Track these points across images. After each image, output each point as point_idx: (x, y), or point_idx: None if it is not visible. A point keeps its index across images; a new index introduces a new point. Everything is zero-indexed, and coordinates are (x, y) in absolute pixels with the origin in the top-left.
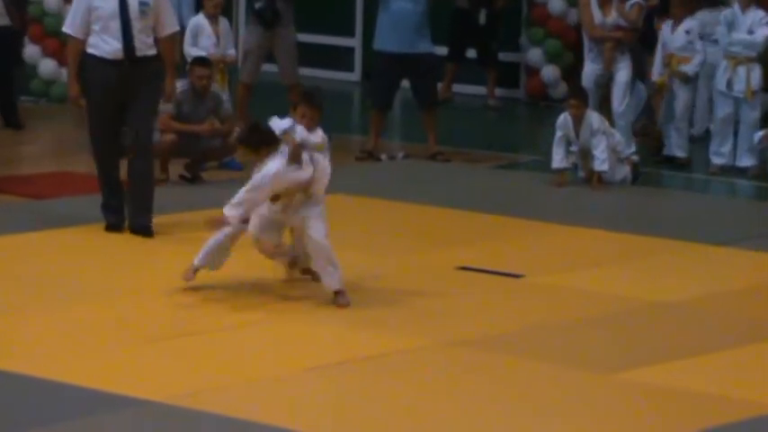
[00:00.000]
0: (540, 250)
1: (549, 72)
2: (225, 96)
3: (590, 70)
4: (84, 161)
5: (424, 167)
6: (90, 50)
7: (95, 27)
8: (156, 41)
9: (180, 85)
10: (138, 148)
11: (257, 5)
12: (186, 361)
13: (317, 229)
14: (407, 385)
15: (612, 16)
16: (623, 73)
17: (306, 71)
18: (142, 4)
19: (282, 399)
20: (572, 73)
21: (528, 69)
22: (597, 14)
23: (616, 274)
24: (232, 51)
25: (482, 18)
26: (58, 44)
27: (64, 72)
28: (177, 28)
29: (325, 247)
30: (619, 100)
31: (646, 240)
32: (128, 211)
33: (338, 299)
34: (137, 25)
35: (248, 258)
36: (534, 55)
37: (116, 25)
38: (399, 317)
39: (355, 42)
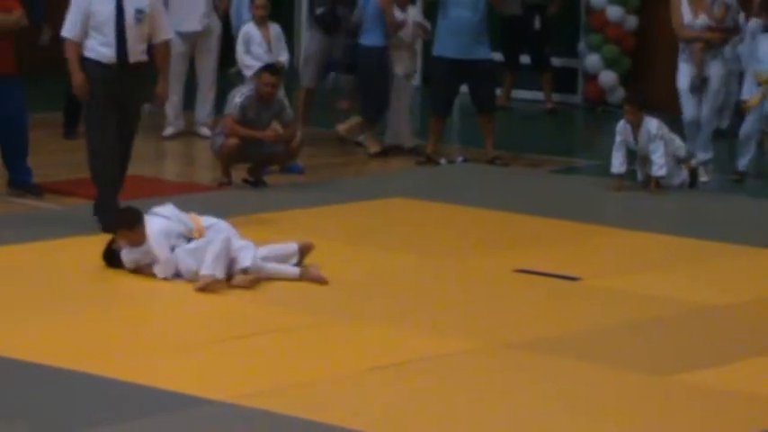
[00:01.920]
0: (597, 254)
1: (607, 77)
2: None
3: (683, 70)
4: (149, 166)
5: (482, 171)
6: (87, 54)
7: (92, 32)
8: (150, 47)
9: (245, 90)
10: (123, 153)
11: (318, 11)
12: (246, 362)
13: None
14: (463, 387)
15: (703, 17)
16: (716, 79)
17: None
18: (138, 12)
19: (342, 399)
20: (630, 78)
21: (586, 75)
22: (687, 15)
23: (672, 277)
24: (284, 57)
25: (537, 24)
26: None
27: None
28: (171, 35)
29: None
30: (709, 107)
31: (702, 244)
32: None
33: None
34: (132, 32)
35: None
36: (592, 60)
37: (111, 31)
38: (456, 319)
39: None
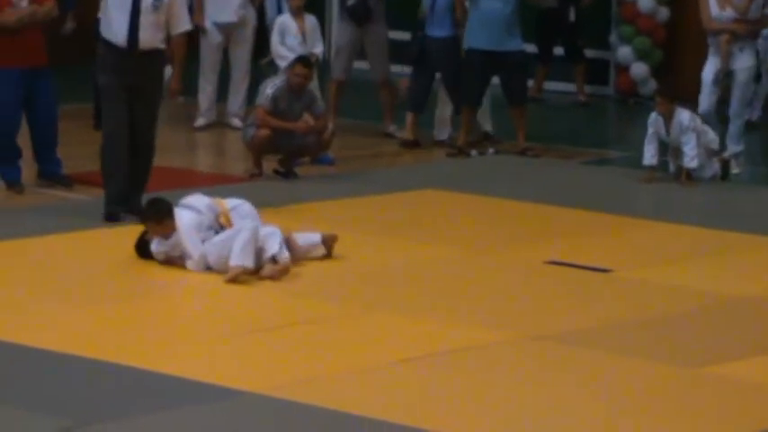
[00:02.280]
0: (628, 246)
1: (639, 69)
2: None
3: (710, 64)
4: (180, 157)
5: (513, 163)
6: (102, 32)
7: (110, 10)
8: (168, 37)
9: (277, 81)
10: (138, 143)
11: (349, 2)
12: (277, 353)
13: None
14: (494, 379)
15: (729, 9)
16: (743, 72)
17: (397, 68)
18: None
19: (372, 390)
20: (661, 70)
21: (617, 67)
22: (714, 8)
23: (703, 269)
24: (318, 49)
25: (572, 15)
26: None
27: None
28: (189, 27)
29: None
30: (737, 100)
31: (733, 236)
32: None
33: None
34: (147, 18)
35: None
36: (624, 52)
37: (126, 14)
38: (487, 310)
39: None
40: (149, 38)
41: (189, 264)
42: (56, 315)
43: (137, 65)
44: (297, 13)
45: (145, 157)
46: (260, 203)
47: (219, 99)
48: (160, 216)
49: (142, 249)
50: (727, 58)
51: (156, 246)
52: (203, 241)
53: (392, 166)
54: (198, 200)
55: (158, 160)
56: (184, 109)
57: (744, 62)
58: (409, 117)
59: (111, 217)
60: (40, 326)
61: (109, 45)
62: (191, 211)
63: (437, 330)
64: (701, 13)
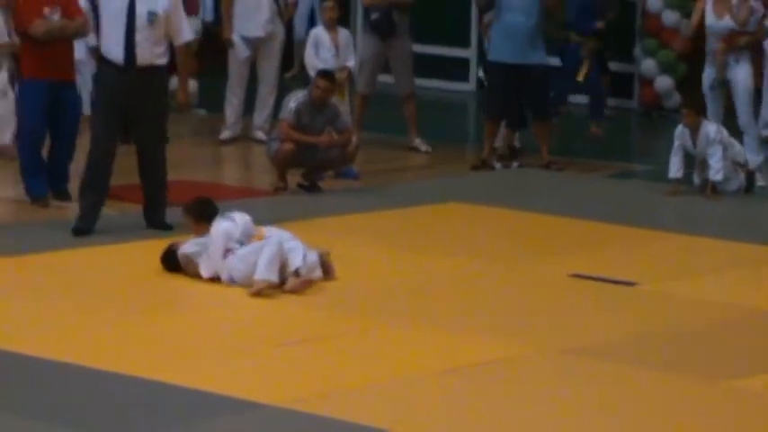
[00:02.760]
0: (653, 258)
1: (663, 82)
2: (345, 107)
3: (707, 75)
4: (205, 171)
5: (537, 176)
6: (103, 53)
7: (105, 29)
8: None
9: (299, 95)
10: (146, 161)
11: (373, 16)
12: (299, 366)
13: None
14: (517, 392)
15: (726, 18)
16: (741, 82)
17: (421, 81)
18: (150, 14)
19: (393, 404)
20: (685, 83)
21: (642, 80)
22: (710, 16)
23: (728, 282)
24: (350, 63)
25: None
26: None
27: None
28: (192, 36)
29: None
30: (742, 110)
31: (758, 249)
32: (144, 211)
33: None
34: (143, 34)
35: (343, 269)
36: (648, 65)
37: (121, 30)
38: (511, 323)
39: (470, 53)
40: (147, 54)
41: (202, 265)
42: (80, 329)
43: (135, 82)
44: (330, 26)
45: (156, 176)
46: (284, 217)
47: (246, 113)
48: (201, 215)
49: (169, 262)
50: (722, 68)
51: (186, 246)
52: (230, 252)
53: (416, 179)
54: (240, 215)
55: (183, 174)
56: (208, 122)
57: (740, 73)
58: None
59: (79, 232)
60: (64, 339)
61: (107, 62)
62: (229, 221)
63: (460, 344)
64: (692, 18)
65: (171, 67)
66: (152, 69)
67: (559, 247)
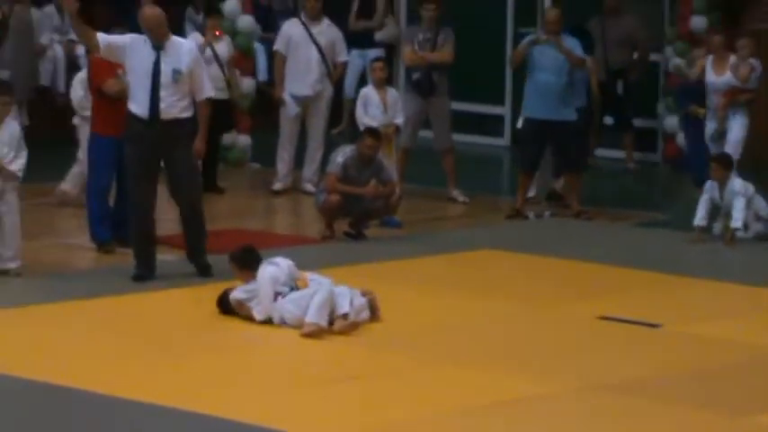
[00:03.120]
0: (678, 302)
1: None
2: (391, 161)
3: (708, 128)
4: (257, 220)
5: (568, 225)
6: (129, 107)
7: (133, 87)
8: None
9: (347, 150)
10: (183, 209)
11: (414, 76)
12: (346, 403)
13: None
14: (551, 428)
15: (727, 75)
16: (736, 133)
17: (459, 137)
18: (175, 72)
19: None
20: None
21: (665, 135)
22: (710, 74)
23: (749, 324)
24: (399, 120)
25: (619, 88)
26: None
27: (241, 138)
28: (212, 93)
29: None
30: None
31: None
32: (187, 255)
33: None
34: (168, 90)
35: (386, 311)
36: (671, 122)
37: (147, 88)
38: (544, 362)
39: (505, 110)
40: (170, 109)
41: (255, 309)
42: (139, 366)
43: (160, 135)
44: (379, 86)
45: (194, 222)
46: (331, 263)
47: (296, 166)
48: (245, 264)
49: (223, 305)
50: (722, 121)
51: (236, 292)
52: (279, 294)
53: (455, 228)
54: (283, 260)
55: (238, 222)
56: (262, 175)
57: (735, 125)
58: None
59: (139, 278)
60: (131, 380)
61: (134, 117)
62: (273, 266)
63: (497, 381)
64: (690, 72)
65: (226, 125)
66: (176, 122)
67: (589, 291)
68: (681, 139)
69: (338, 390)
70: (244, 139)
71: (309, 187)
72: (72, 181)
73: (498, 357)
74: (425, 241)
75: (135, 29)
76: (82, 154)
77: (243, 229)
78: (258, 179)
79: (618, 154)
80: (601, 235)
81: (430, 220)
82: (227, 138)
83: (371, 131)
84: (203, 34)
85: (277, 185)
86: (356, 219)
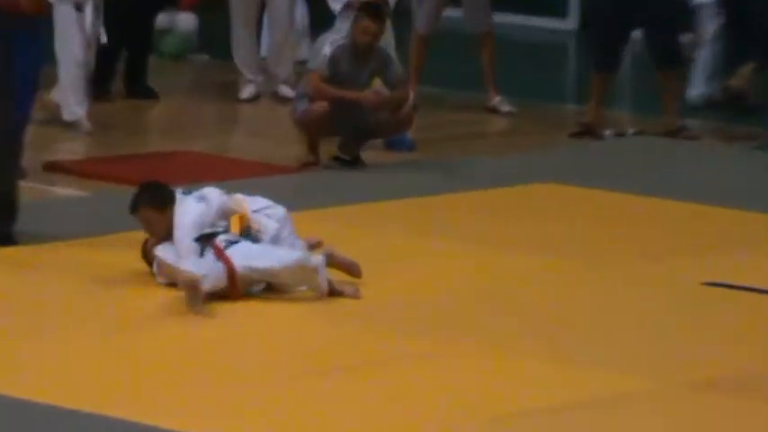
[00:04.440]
0: None
1: None
2: (389, 42)
3: None
4: (209, 139)
5: (661, 147)
6: None
7: None
8: None
9: (337, 37)
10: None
11: None
12: (357, 398)
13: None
14: None
15: None
16: None
17: (502, 17)
18: None
19: None
20: None
21: None
22: None
23: None
24: None
25: None
26: None
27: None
28: None
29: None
30: None
31: None
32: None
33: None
34: None
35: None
36: None
37: None
38: (628, 350)
39: None
40: None
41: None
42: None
43: None
44: None
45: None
46: (313, 201)
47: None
48: (160, 207)
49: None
50: None
51: (159, 249)
52: (214, 239)
53: (494, 151)
54: (211, 192)
55: (181, 142)
56: (212, 72)
57: None
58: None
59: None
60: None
61: None
62: (201, 203)
63: (560, 375)
64: None
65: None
66: None
67: (689, 245)
68: None
69: (323, 385)
70: (186, 20)
71: (286, 91)
72: None
73: (558, 340)
74: (451, 171)
75: None
76: None
77: (185, 152)
78: (207, 78)
79: None
80: (707, 162)
81: (458, 139)
82: (163, 19)
83: (371, 8)
84: None
85: (245, 91)
86: (350, 137)
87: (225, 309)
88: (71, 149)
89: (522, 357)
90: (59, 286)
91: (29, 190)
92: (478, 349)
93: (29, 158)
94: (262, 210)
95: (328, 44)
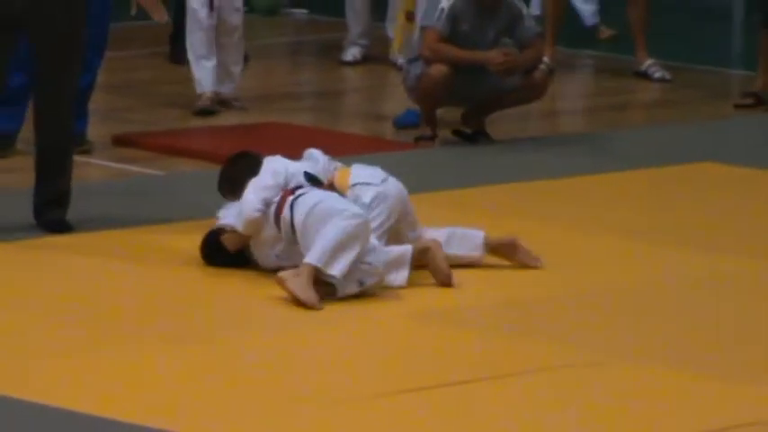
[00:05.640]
0: None
1: None
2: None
3: None
4: (308, 113)
5: None
6: None
7: None
8: None
9: None
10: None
11: None
12: (490, 411)
13: None
14: None
15: None
16: None
17: None
18: None
19: None
20: None
21: None
22: None
23: None
24: None
25: None
26: None
27: None
28: None
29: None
30: None
31: None
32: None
33: None
34: None
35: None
36: None
37: None
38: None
39: None
40: None
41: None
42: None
43: None
44: None
45: (55, 148)
46: (430, 183)
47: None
48: (242, 180)
49: (212, 254)
50: None
51: (226, 219)
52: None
53: (647, 124)
54: (316, 152)
55: (272, 113)
56: (312, 29)
57: None
58: None
59: None
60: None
61: None
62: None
63: (737, 394)
64: None
65: None
66: None
67: None
68: None
69: (469, 394)
70: None
71: (400, 58)
72: None
73: (733, 351)
74: (595, 147)
75: None
76: None
77: (279, 123)
78: (306, 36)
79: None
80: None
81: (604, 109)
82: None
83: None
84: None
85: (349, 53)
86: (475, 107)
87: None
88: (144, 120)
89: (691, 370)
90: (107, 281)
91: (96, 168)
92: (636, 358)
93: (95, 130)
94: (367, 183)
95: None
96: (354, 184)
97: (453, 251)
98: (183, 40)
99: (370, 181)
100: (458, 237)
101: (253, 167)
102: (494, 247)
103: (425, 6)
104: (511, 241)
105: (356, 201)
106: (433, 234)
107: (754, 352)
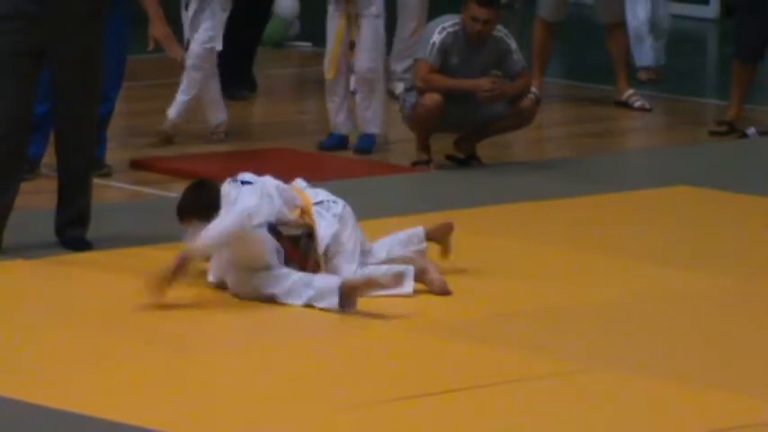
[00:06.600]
0: None
1: None
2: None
3: None
4: (310, 138)
5: None
6: None
7: None
8: None
9: (447, 23)
10: (69, 141)
11: None
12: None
13: None
14: None
15: None
16: None
17: None
18: None
19: None
20: None
21: None
22: None
23: None
24: None
25: None
26: None
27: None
28: None
29: None
30: None
31: None
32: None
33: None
34: None
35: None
36: None
37: None
38: None
39: None
40: None
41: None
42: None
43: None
44: None
45: (78, 156)
46: (424, 204)
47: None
48: (204, 213)
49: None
50: None
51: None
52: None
53: (627, 150)
54: (267, 181)
55: (279, 139)
56: (314, 62)
57: None
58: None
59: None
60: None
61: None
62: (255, 193)
63: (721, 402)
64: None
65: None
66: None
67: None
68: None
69: (456, 403)
70: (287, 4)
71: (401, 88)
72: None
73: (716, 367)
74: (579, 171)
75: None
76: None
77: (285, 149)
78: (309, 68)
79: None
80: None
81: (586, 136)
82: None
83: None
84: None
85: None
86: (467, 133)
87: (304, 322)
88: (160, 145)
89: (688, 384)
90: (123, 297)
91: (114, 190)
92: (625, 369)
93: (114, 154)
94: (325, 204)
95: (437, 31)
96: (320, 201)
97: (401, 253)
98: (230, 77)
99: (331, 198)
100: (403, 240)
101: (213, 195)
102: (433, 233)
103: (422, 40)
104: (448, 223)
105: (328, 211)
106: (380, 246)
107: (733, 360)
